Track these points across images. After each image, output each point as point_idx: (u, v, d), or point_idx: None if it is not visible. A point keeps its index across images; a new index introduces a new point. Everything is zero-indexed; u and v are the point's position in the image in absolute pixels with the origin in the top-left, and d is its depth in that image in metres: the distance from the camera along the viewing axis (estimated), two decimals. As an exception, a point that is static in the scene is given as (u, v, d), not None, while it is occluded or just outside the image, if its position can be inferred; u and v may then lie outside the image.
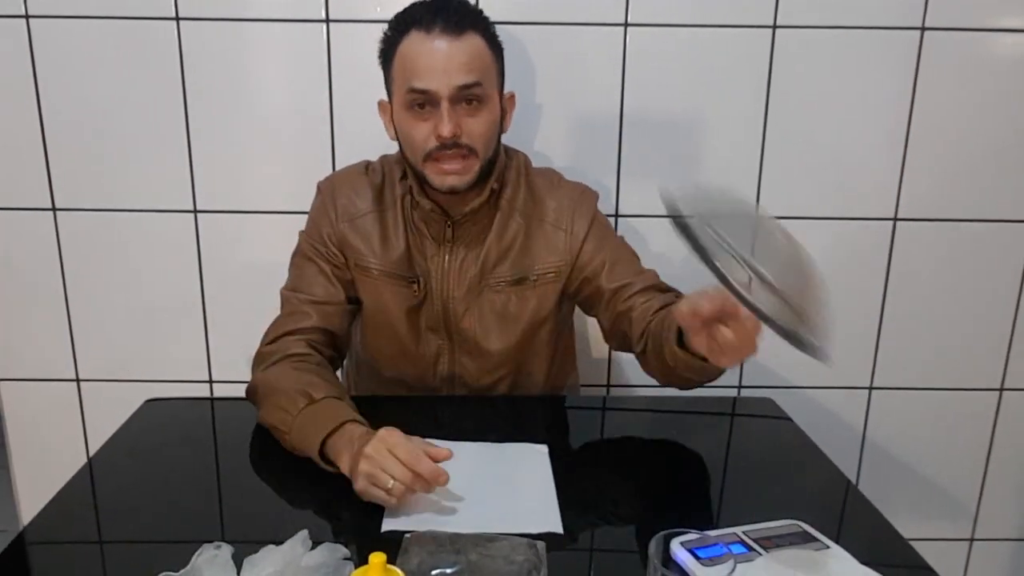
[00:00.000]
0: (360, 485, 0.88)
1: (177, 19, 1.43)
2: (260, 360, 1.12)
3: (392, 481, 0.85)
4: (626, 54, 1.46)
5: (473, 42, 1.06)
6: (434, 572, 0.73)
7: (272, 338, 1.14)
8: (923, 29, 1.45)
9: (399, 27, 1.09)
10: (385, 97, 1.16)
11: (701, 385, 1.05)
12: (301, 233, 1.23)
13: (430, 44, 1.04)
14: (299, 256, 1.21)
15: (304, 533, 0.80)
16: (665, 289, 1.16)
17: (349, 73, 1.46)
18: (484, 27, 1.09)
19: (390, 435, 0.89)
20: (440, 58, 1.04)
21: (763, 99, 1.49)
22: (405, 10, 1.10)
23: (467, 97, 1.06)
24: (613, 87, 1.48)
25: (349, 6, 1.42)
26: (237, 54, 1.45)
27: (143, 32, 1.43)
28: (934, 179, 1.54)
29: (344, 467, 0.92)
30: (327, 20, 1.43)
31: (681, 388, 1.07)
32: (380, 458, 0.86)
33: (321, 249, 1.19)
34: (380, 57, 1.13)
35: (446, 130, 1.05)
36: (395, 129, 1.14)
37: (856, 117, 1.50)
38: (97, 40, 1.44)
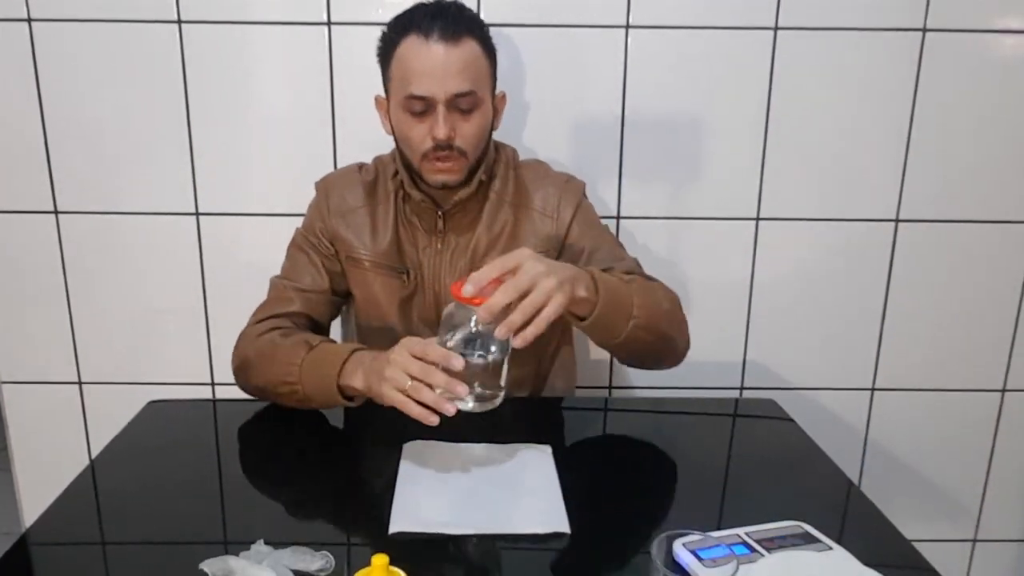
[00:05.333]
0: (381, 390, 0.92)
1: (179, 22, 1.43)
2: (244, 337, 1.18)
3: (409, 381, 0.89)
4: (627, 56, 1.46)
5: (469, 48, 1.10)
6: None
7: (256, 320, 1.20)
8: (924, 30, 1.45)
9: (398, 29, 1.12)
10: (382, 93, 1.19)
11: (643, 363, 1.17)
12: (297, 228, 1.28)
13: (428, 50, 1.08)
14: (292, 247, 1.27)
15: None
16: (645, 277, 1.16)
17: (351, 76, 1.46)
18: (480, 32, 1.13)
19: (408, 340, 0.94)
20: (438, 64, 1.08)
21: (765, 101, 1.49)
22: (405, 12, 1.13)
23: (462, 103, 1.10)
24: (615, 89, 1.48)
25: (351, 9, 1.43)
26: (239, 57, 1.46)
27: (145, 35, 1.44)
28: (936, 180, 1.54)
29: (359, 384, 0.98)
30: (328, 23, 1.44)
31: (634, 366, 1.17)
32: (402, 360, 0.91)
33: (312, 240, 1.24)
34: (378, 55, 1.17)
35: (441, 133, 1.10)
36: (391, 125, 1.18)
37: (858, 118, 1.50)
38: (99, 43, 1.44)
